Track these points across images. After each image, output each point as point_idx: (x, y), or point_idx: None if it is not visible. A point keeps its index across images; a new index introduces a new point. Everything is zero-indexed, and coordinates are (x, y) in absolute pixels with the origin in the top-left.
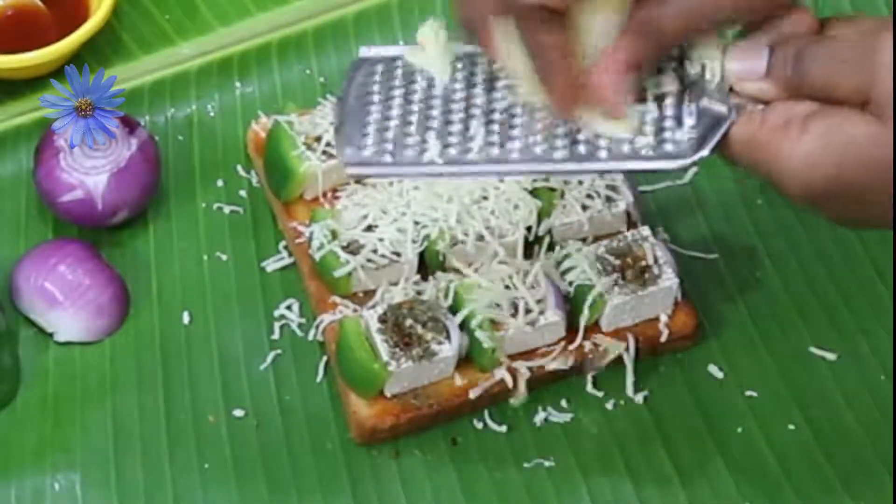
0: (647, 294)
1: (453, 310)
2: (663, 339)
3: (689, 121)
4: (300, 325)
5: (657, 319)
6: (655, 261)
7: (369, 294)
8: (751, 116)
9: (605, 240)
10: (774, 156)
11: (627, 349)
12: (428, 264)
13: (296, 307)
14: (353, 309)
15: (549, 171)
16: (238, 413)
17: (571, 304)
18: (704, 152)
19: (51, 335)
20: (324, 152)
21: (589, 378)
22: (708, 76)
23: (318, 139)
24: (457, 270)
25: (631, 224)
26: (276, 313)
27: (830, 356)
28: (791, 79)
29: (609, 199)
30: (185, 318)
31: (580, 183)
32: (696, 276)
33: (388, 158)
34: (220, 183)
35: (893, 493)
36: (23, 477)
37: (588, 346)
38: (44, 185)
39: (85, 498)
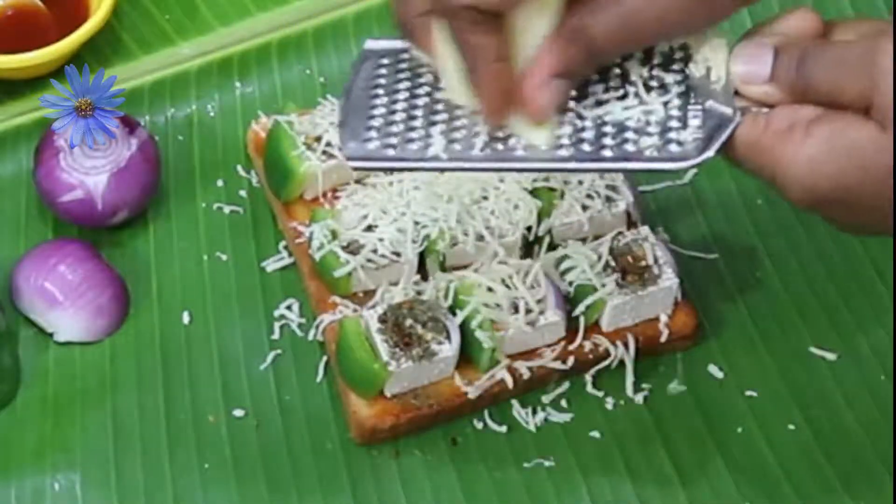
0: (647, 294)
1: (453, 310)
2: (663, 339)
3: (694, 122)
4: (300, 325)
5: (657, 319)
6: (655, 261)
7: (369, 294)
8: (755, 119)
9: (605, 240)
10: (778, 159)
11: (627, 349)
12: (428, 264)
13: (296, 307)
14: (353, 309)
15: (553, 168)
16: (238, 413)
17: (571, 304)
18: (709, 154)
19: (51, 335)
20: (324, 152)
21: (589, 378)
22: (713, 78)
23: (318, 139)
24: (457, 270)
25: (631, 224)
26: (276, 313)
27: (830, 356)
28: (795, 83)
29: (609, 199)
30: (185, 318)
31: (580, 183)
32: (696, 276)
33: (391, 153)
34: (220, 183)
35: (893, 493)
36: (23, 477)
37: (588, 346)
38: (44, 185)
39: (85, 498)
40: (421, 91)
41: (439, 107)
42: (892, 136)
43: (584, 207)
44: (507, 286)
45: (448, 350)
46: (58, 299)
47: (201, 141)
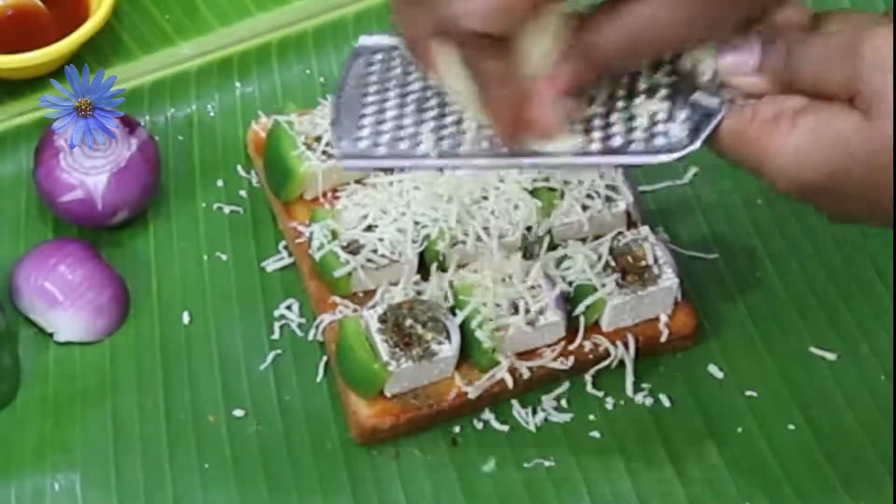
0: (647, 294)
1: (453, 310)
2: (663, 339)
3: (680, 115)
4: (300, 325)
5: (657, 319)
6: (655, 261)
7: (369, 294)
8: (742, 110)
9: (605, 240)
10: (765, 150)
11: (627, 349)
12: (428, 264)
13: (296, 307)
14: (353, 309)
15: (541, 164)
16: (238, 413)
17: (571, 304)
18: (695, 146)
19: (51, 335)
20: (324, 152)
21: (589, 378)
22: (700, 70)
23: (318, 139)
24: (457, 270)
25: (631, 224)
26: (276, 313)
27: (830, 356)
28: (782, 73)
29: (609, 199)
30: (185, 318)
31: (580, 183)
32: (696, 276)
33: (382, 151)
34: (220, 183)
35: (893, 493)
36: (23, 477)
37: (588, 346)
38: (44, 185)
39: (85, 498)
40: (412, 88)
41: (430, 104)
42: (875, 125)
43: (584, 207)
44: (508, 286)
45: (448, 350)
46: (58, 299)
47: (201, 141)
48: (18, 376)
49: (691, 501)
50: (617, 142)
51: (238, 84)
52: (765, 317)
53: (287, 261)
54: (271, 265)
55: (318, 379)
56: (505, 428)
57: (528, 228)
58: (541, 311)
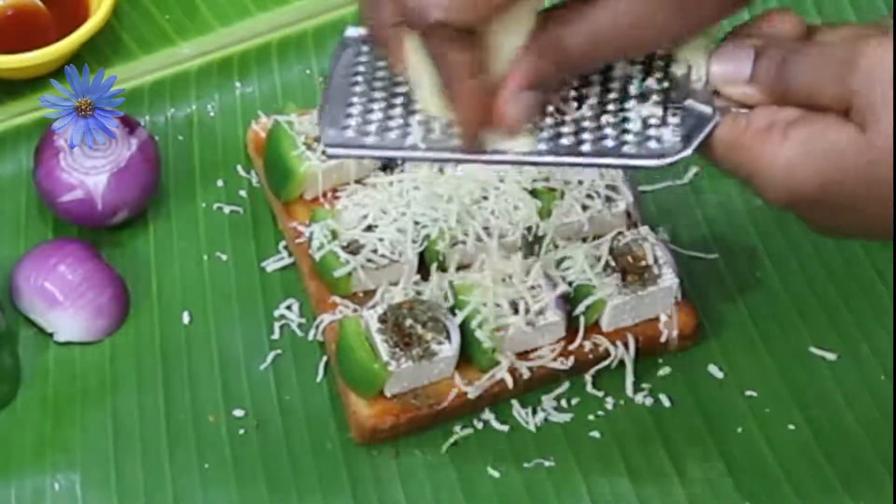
0: (647, 294)
1: (453, 310)
2: (663, 339)
3: (673, 120)
4: (300, 325)
5: (657, 319)
6: (655, 261)
7: (369, 294)
8: (735, 119)
9: (605, 240)
10: (757, 160)
11: (627, 349)
12: (428, 264)
13: (296, 307)
14: (353, 309)
15: (529, 161)
16: (238, 413)
17: (571, 304)
18: (687, 151)
19: (51, 335)
20: (323, 152)
21: (589, 378)
22: (694, 77)
23: (318, 139)
24: (457, 270)
25: (631, 224)
26: (276, 313)
27: (830, 356)
28: (775, 84)
29: (609, 199)
30: (185, 318)
31: (580, 183)
32: (696, 276)
33: (369, 140)
34: (220, 183)
35: (893, 493)
36: (23, 477)
37: (588, 346)
38: (44, 185)
39: (85, 498)
40: (401, 79)
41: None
42: (871, 138)
43: (584, 207)
44: (508, 286)
45: (448, 350)
46: (58, 299)
47: (201, 141)
48: (18, 376)
49: (691, 501)
50: (609, 144)
51: (238, 84)
52: (765, 317)
53: (287, 261)
54: (271, 265)
55: (318, 379)
56: (505, 428)
57: (528, 228)
58: (541, 311)
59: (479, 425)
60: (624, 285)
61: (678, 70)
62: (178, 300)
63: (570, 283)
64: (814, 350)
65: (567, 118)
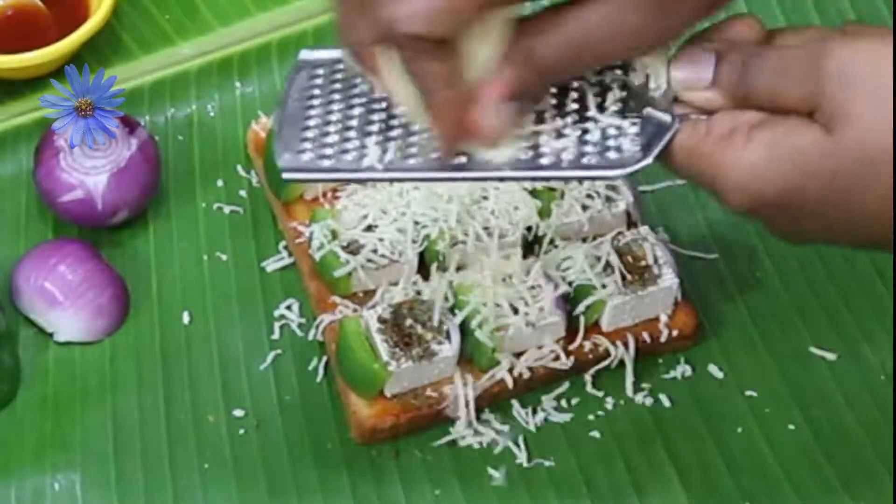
0: (647, 294)
1: (453, 310)
2: (663, 339)
3: (632, 129)
4: (300, 325)
5: (657, 319)
6: (655, 261)
7: (369, 294)
8: (695, 126)
9: (605, 240)
10: (718, 165)
11: (627, 349)
12: (428, 264)
13: (296, 307)
14: (353, 309)
15: (488, 177)
16: (238, 413)
17: (571, 304)
18: (647, 160)
19: (51, 335)
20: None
21: (589, 378)
22: (652, 85)
23: None
24: (457, 270)
25: (631, 224)
26: (276, 313)
27: (830, 356)
28: (737, 88)
29: (609, 199)
30: (185, 318)
31: (580, 183)
32: (696, 276)
33: (326, 164)
34: (220, 183)
35: (893, 493)
36: (23, 477)
37: (588, 345)
38: (44, 185)
39: (85, 498)
40: (356, 101)
41: (375, 117)
42: (838, 139)
43: (584, 207)
44: (508, 286)
45: (448, 350)
46: (58, 299)
47: (201, 141)
48: (18, 376)
49: (691, 501)
50: (569, 156)
51: (238, 84)
52: (765, 317)
53: (287, 261)
54: (271, 265)
55: (318, 379)
56: (505, 428)
57: (528, 228)
58: (541, 311)
59: (479, 425)
60: (624, 285)
61: (636, 79)
62: (178, 300)
63: (570, 283)
64: (814, 350)
65: (525, 132)
